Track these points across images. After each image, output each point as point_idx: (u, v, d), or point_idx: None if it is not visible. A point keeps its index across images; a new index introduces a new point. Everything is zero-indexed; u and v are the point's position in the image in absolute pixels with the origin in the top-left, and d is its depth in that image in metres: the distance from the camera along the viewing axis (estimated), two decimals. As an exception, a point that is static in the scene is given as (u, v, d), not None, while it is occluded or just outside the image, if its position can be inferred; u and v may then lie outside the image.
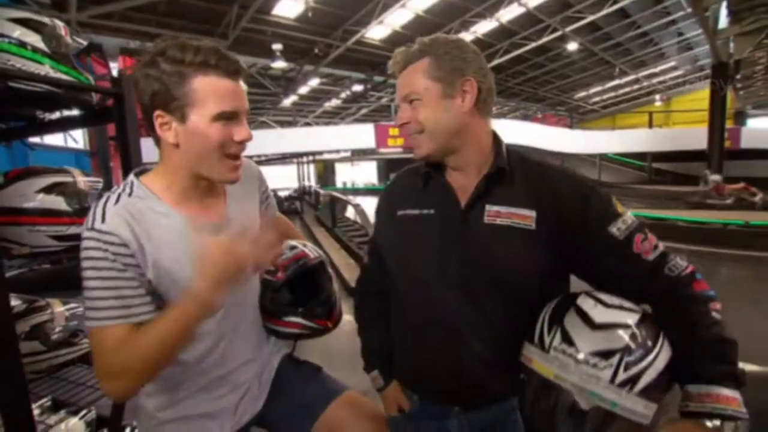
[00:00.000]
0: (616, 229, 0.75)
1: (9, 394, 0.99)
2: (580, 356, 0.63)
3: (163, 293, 0.78)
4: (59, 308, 1.45)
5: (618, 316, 0.67)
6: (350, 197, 8.81)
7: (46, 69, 1.09)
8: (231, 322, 0.90)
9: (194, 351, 0.85)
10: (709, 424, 0.62)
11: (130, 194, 0.78)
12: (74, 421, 1.49)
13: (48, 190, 1.14)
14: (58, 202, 1.15)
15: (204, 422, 0.90)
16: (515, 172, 0.81)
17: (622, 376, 0.61)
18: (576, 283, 0.87)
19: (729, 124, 13.45)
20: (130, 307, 0.72)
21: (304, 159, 18.35)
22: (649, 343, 0.64)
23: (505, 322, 0.80)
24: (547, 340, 0.68)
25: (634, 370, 0.62)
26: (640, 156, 16.89)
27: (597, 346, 0.64)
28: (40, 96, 1.10)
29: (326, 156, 19.82)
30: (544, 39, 11.29)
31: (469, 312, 0.81)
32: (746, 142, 14.54)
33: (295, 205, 14.27)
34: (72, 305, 1.53)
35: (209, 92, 0.73)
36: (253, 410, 0.97)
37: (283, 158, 16.96)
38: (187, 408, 0.88)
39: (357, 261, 5.83)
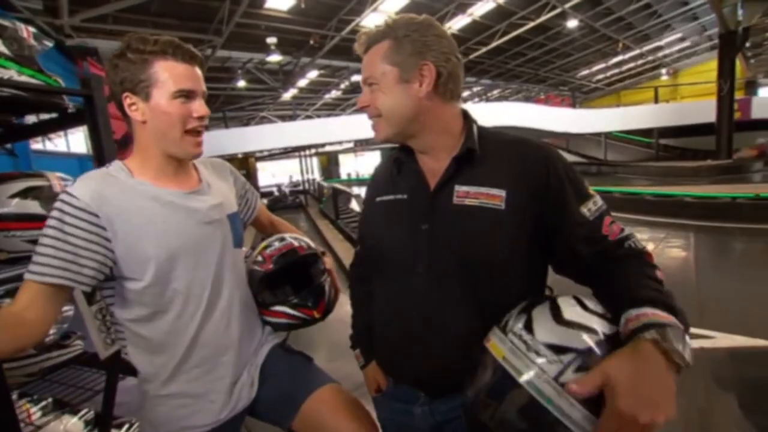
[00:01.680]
0: (587, 210, 0.75)
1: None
2: (532, 344, 0.61)
3: (125, 258, 0.83)
4: (49, 311, 1.47)
5: (591, 321, 0.62)
6: (354, 188, 8.80)
7: (11, 73, 1.08)
8: (221, 300, 0.94)
9: (184, 319, 0.89)
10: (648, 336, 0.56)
11: (108, 167, 0.88)
12: (74, 420, 1.52)
13: (23, 194, 1.14)
14: (33, 207, 1.15)
15: (200, 404, 0.93)
16: (487, 153, 0.79)
17: (568, 375, 0.57)
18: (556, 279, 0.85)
19: (739, 95, 13.12)
20: (68, 269, 0.78)
21: (307, 152, 18.34)
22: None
23: (472, 309, 0.78)
24: (510, 323, 0.66)
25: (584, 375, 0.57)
26: (647, 133, 16.53)
27: (554, 339, 0.60)
28: (7, 101, 1.09)
29: (329, 148, 19.77)
30: (543, 17, 11.02)
31: (437, 297, 0.79)
32: (758, 113, 14.13)
33: (299, 198, 14.33)
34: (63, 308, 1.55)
35: (168, 74, 0.84)
36: (247, 397, 1.00)
37: (286, 152, 16.98)
38: (183, 386, 0.92)
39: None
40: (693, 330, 0.62)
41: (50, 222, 0.78)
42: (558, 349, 0.59)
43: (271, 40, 9.99)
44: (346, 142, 15.96)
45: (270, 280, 1.04)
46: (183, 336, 0.90)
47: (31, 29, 1.19)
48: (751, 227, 5.83)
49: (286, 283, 1.09)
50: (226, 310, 0.94)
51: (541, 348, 0.60)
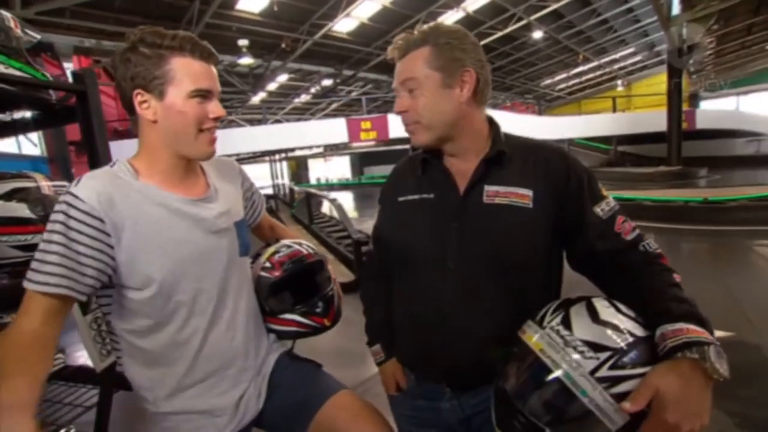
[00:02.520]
0: (600, 209, 0.81)
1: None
2: (570, 339, 0.64)
3: (126, 267, 0.78)
4: (28, 323, 1.35)
5: (625, 323, 0.66)
6: (325, 192, 8.72)
7: (-3, 65, 1.00)
8: (226, 311, 0.90)
9: (198, 324, 0.86)
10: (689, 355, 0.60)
11: (112, 166, 0.82)
12: (53, 440, 1.40)
13: (8, 196, 1.06)
14: (20, 210, 1.06)
15: (205, 419, 0.89)
16: (513, 155, 0.84)
17: (604, 372, 0.61)
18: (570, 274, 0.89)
19: (685, 107, 14.12)
20: (71, 278, 0.73)
21: (276, 157, 18.02)
22: (644, 359, 0.63)
23: (501, 302, 0.81)
24: (547, 319, 0.69)
25: (618, 372, 0.61)
26: (606, 140, 17.48)
27: (591, 337, 0.64)
28: (-7, 95, 1.02)
29: (298, 153, 19.52)
30: (510, 28, 11.46)
31: (467, 292, 0.82)
32: (701, 123, 15.32)
33: (269, 203, 14.02)
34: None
35: (185, 72, 0.79)
36: (254, 410, 0.96)
37: (255, 157, 16.60)
38: (187, 402, 0.87)
39: (337, 256, 5.78)
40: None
41: (54, 226, 0.73)
42: (595, 347, 0.63)
43: (243, 42, 9.77)
44: (316, 146, 15.81)
45: (276, 287, 1.02)
46: (186, 349, 0.86)
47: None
48: (701, 228, 6.28)
49: (286, 291, 1.06)
50: (231, 321, 0.91)
51: (578, 344, 0.63)
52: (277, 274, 1.01)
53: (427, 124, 0.82)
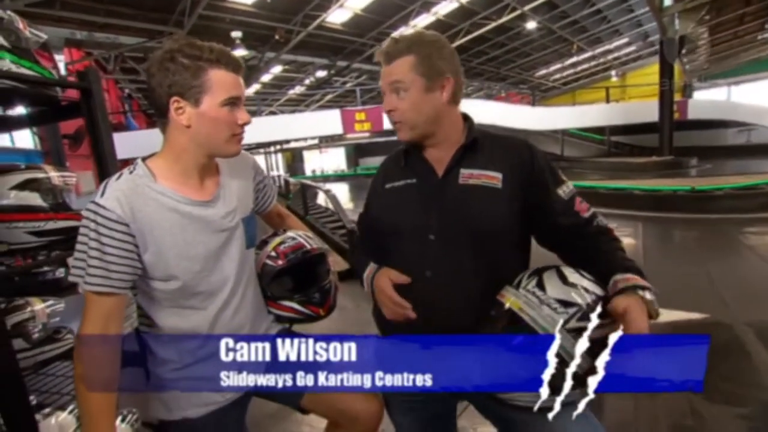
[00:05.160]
0: (562, 191, 0.95)
1: (7, 391, 1.02)
2: (544, 298, 0.78)
3: (151, 264, 0.89)
4: (39, 306, 1.45)
5: (590, 286, 0.81)
6: (320, 184, 8.79)
7: (7, 64, 1.08)
8: (235, 297, 1.01)
9: (210, 310, 0.97)
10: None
11: (131, 172, 0.90)
12: (64, 415, 1.50)
13: (21, 186, 1.15)
14: (33, 198, 1.15)
15: (205, 385, 0.96)
16: (484, 144, 0.98)
17: (573, 324, 0.75)
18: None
19: (677, 97, 14.21)
20: (110, 278, 0.85)
21: (272, 148, 17.99)
22: (603, 312, 0.76)
23: (475, 270, 0.94)
24: (523, 283, 0.83)
25: (584, 323, 0.74)
26: (600, 130, 17.54)
27: (562, 295, 0.77)
28: (2, 92, 1.09)
29: (294, 144, 19.47)
30: (504, 18, 11.47)
31: (445, 260, 0.94)
32: (693, 113, 15.42)
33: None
34: (51, 302, 1.53)
35: (220, 82, 0.87)
36: None
37: (250, 149, 16.56)
38: (194, 369, 0.95)
39: (332, 246, 5.86)
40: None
41: (89, 233, 0.83)
42: (565, 303, 0.77)
43: (236, 34, 9.72)
44: (311, 138, 15.79)
45: (278, 275, 1.12)
46: (198, 330, 0.96)
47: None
48: (688, 217, 6.44)
49: (288, 277, 1.16)
50: (238, 306, 1.02)
51: (552, 302, 0.78)
52: (280, 263, 1.11)
53: (411, 124, 0.94)
